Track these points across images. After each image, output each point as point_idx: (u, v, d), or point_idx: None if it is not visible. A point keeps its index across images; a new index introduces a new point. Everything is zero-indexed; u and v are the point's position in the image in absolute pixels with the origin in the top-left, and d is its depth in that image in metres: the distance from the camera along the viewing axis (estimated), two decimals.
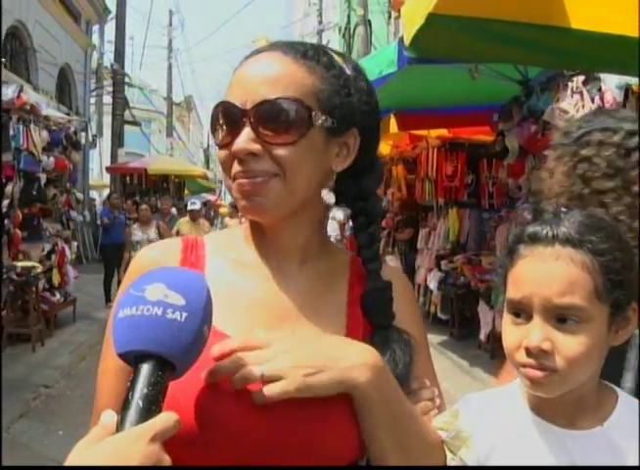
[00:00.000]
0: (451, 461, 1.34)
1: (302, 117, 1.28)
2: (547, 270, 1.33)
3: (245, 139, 1.27)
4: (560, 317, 1.32)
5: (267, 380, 1.17)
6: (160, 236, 11.79)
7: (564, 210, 1.41)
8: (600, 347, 1.35)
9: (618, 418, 1.41)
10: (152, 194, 21.37)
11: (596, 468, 1.36)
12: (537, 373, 1.32)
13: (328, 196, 1.37)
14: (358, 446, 1.27)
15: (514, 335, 1.36)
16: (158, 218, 14.29)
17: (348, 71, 1.37)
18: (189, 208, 14.30)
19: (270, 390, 1.17)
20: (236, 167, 1.29)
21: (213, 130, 1.36)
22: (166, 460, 0.97)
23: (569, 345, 1.31)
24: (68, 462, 0.94)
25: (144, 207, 13.29)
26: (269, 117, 1.27)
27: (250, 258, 1.42)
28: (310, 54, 1.34)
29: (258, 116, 1.27)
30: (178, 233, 12.57)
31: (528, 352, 1.32)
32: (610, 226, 1.40)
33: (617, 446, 1.37)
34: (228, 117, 1.31)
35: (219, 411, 1.20)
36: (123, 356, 1.08)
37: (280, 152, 1.27)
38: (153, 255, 1.44)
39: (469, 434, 1.37)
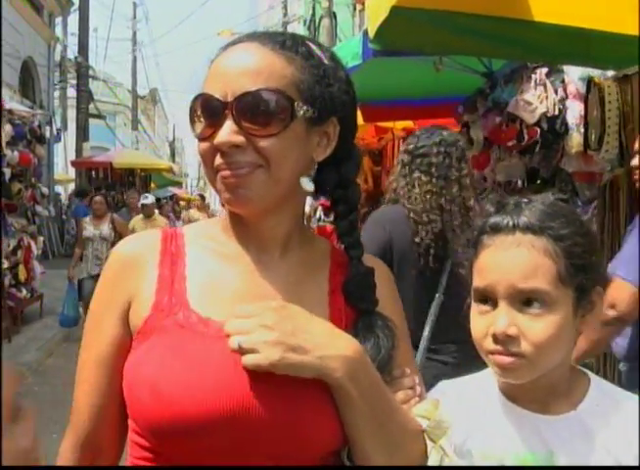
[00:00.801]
0: (432, 450, 1.36)
1: (285, 108, 1.29)
2: (509, 257, 1.36)
3: (227, 131, 1.27)
4: (525, 303, 1.35)
5: (243, 351, 1.19)
6: (115, 232, 10.99)
7: (525, 200, 1.44)
8: (567, 331, 1.38)
9: (591, 402, 1.44)
10: (118, 188, 21.19)
11: (595, 468, 1.38)
12: (505, 359, 1.35)
13: (307, 184, 1.38)
14: (340, 432, 1.28)
15: (481, 323, 1.40)
16: (125, 213, 13.93)
17: (327, 61, 1.39)
18: (141, 202, 13.38)
19: (244, 361, 1.19)
20: (219, 160, 1.30)
21: (192, 122, 1.35)
22: None
23: (534, 329, 1.34)
24: None
25: (98, 198, 11.87)
26: (251, 108, 1.27)
27: (230, 248, 1.43)
28: (289, 44, 1.35)
29: (240, 108, 1.27)
30: (133, 232, 11.00)
31: (495, 339, 1.35)
32: (570, 213, 1.44)
33: (591, 430, 1.40)
34: (208, 110, 1.31)
35: (201, 401, 1.21)
36: None
37: (264, 143, 1.28)
38: (132, 247, 1.45)
39: (450, 423, 1.38)
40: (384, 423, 1.29)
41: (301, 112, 1.31)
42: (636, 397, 1.49)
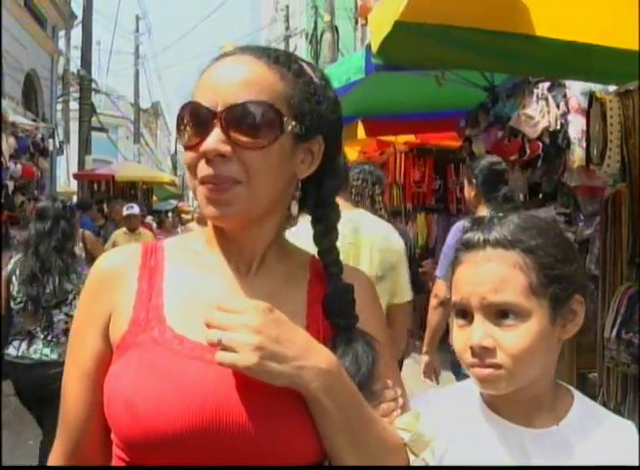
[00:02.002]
0: (414, 462, 1.35)
1: (274, 121, 1.29)
2: (480, 272, 1.40)
3: (215, 140, 1.27)
4: (498, 315, 1.37)
5: (222, 347, 1.18)
6: (87, 253, 8.36)
7: (500, 215, 1.48)
8: (544, 341, 1.40)
9: (573, 418, 1.46)
10: (120, 201, 21.19)
11: (595, 468, 1.38)
12: (484, 371, 1.38)
13: (293, 207, 1.41)
14: (319, 446, 1.28)
15: (460, 337, 1.43)
16: (112, 227, 12.98)
17: (317, 80, 1.39)
18: (125, 212, 11.45)
19: (220, 357, 1.18)
20: (203, 170, 1.30)
21: (179, 131, 1.35)
22: None
23: (510, 340, 1.37)
24: None
25: None
26: (241, 120, 1.27)
27: (210, 260, 1.43)
28: (282, 60, 1.35)
29: (230, 118, 1.27)
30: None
31: (473, 352, 1.39)
32: (544, 225, 1.47)
33: (571, 446, 1.41)
34: (196, 119, 1.31)
35: (173, 417, 1.21)
36: None
37: (249, 156, 1.28)
38: (112, 261, 1.46)
39: (431, 435, 1.38)
40: (362, 437, 1.28)
41: (290, 127, 1.32)
42: (617, 417, 1.52)
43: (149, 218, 16.99)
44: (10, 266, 5.34)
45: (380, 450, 1.31)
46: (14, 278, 5.21)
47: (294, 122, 1.32)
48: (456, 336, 1.45)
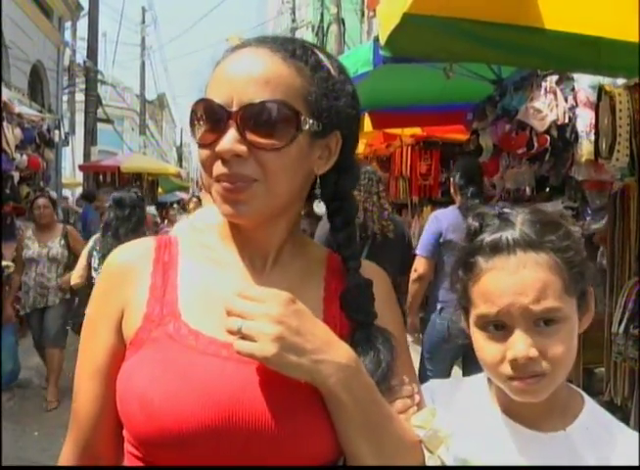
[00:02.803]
0: (429, 460, 1.33)
1: (291, 121, 1.27)
2: (518, 280, 1.32)
3: (230, 140, 1.25)
4: (538, 322, 1.31)
5: (241, 336, 1.17)
6: (70, 250, 7.88)
7: (507, 211, 1.40)
8: (575, 339, 1.36)
9: (581, 425, 1.41)
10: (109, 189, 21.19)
11: (595, 468, 1.36)
12: (528, 382, 1.32)
13: (318, 207, 1.39)
14: (335, 444, 1.27)
15: (494, 349, 1.35)
16: (95, 220, 12.41)
17: (335, 73, 1.36)
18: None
19: (238, 345, 1.17)
20: (219, 168, 1.28)
21: (192, 127, 1.33)
22: None
23: (552, 346, 1.31)
24: None
25: (41, 202, 8.12)
26: (257, 120, 1.25)
27: (224, 256, 1.41)
28: (299, 53, 1.32)
29: (246, 118, 1.25)
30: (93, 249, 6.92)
31: (515, 364, 1.31)
32: (554, 218, 1.42)
33: (577, 452, 1.38)
34: (211, 116, 1.28)
35: (188, 414, 1.20)
36: None
37: (266, 156, 1.26)
38: (125, 258, 1.43)
39: (447, 432, 1.36)
40: (378, 433, 1.27)
41: (307, 125, 1.29)
42: (625, 427, 1.46)
43: (151, 210, 16.72)
44: (90, 244, 6.67)
45: (397, 447, 1.30)
46: (95, 253, 6.43)
47: (311, 120, 1.29)
48: (487, 349, 1.37)
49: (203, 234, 1.50)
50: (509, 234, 1.35)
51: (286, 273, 1.41)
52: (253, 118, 1.25)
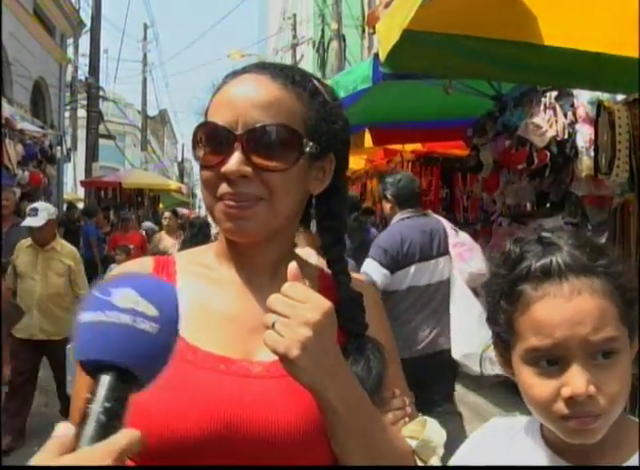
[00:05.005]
0: None
1: (294, 144, 1.31)
2: (574, 308, 1.19)
3: (236, 162, 1.28)
4: (596, 354, 1.19)
5: (272, 329, 1.16)
6: None
7: (546, 234, 1.29)
8: (630, 373, 1.24)
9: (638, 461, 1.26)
10: (127, 208, 21.25)
11: (595, 468, 1.28)
12: (584, 421, 1.19)
13: (314, 226, 1.46)
14: (330, 456, 1.28)
15: (547, 387, 1.21)
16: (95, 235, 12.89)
17: (329, 99, 1.41)
18: (25, 222, 7.02)
19: (266, 335, 1.16)
20: (224, 188, 1.30)
21: (195, 149, 1.35)
22: None
23: (610, 382, 1.19)
24: None
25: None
26: (262, 142, 1.28)
27: (221, 273, 1.44)
28: (298, 80, 1.36)
29: (251, 141, 1.28)
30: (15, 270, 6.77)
31: (571, 402, 1.18)
32: (596, 241, 1.32)
33: None
34: (216, 139, 1.31)
35: (185, 428, 1.22)
36: (84, 364, 0.98)
37: (270, 177, 1.29)
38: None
39: (438, 442, 1.35)
40: (373, 442, 1.28)
41: (307, 148, 1.33)
42: None
43: (147, 225, 16.55)
44: None
45: (389, 456, 1.30)
46: None
47: (311, 143, 1.34)
48: (538, 386, 1.23)
49: (199, 253, 1.53)
50: (558, 258, 1.22)
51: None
52: (259, 141, 1.28)
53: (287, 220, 1.38)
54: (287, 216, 1.36)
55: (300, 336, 1.15)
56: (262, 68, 1.37)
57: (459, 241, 5.32)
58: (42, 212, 6.81)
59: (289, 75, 1.36)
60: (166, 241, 11.75)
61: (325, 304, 1.20)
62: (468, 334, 5.01)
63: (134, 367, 0.96)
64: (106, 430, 0.90)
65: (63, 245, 7.16)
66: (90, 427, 0.90)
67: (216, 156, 1.31)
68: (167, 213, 12.91)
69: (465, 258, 5.24)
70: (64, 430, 0.90)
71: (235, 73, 1.38)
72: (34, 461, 0.87)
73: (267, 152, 1.28)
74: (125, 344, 0.95)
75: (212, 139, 1.32)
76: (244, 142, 1.28)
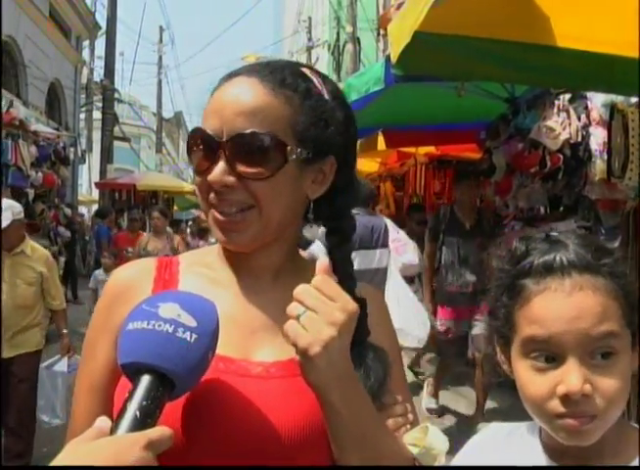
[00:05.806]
0: None
1: (277, 152, 1.29)
2: (575, 303, 1.18)
3: (220, 171, 1.28)
4: (594, 353, 1.18)
5: (296, 320, 1.15)
6: None
7: (554, 233, 1.29)
8: (630, 377, 1.22)
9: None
10: (139, 209, 21.34)
11: (596, 468, 1.26)
12: (579, 421, 1.17)
13: (310, 231, 1.40)
14: (332, 460, 1.27)
15: (541, 383, 1.21)
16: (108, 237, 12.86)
17: (327, 97, 1.37)
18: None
19: (288, 325, 1.15)
20: (212, 197, 1.32)
21: (189, 154, 1.37)
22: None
23: (607, 383, 1.18)
24: (60, 458, 0.95)
25: None
26: (244, 151, 1.28)
27: (223, 275, 1.44)
28: (289, 82, 1.33)
29: (233, 149, 1.28)
30: None
31: (567, 400, 1.17)
32: (603, 243, 1.32)
33: None
34: (204, 145, 1.32)
35: (191, 424, 1.22)
36: (125, 367, 1.09)
37: (255, 185, 1.29)
38: (127, 274, 1.46)
39: (440, 450, 1.33)
40: (375, 446, 1.27)
41: (294, 156, 1.31)
42: None
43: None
44: None
45: (391, 461, 1.29)
46: None
47: (299, 149, 1.31)
48: (533, 382, 1.22)
49: (203, 254, 1.53)
50: (562, 255, 1.22)
51: (286, 292, 1.40)
52: (241, 149, 1.28)
53: (280, 227, 1.36)
54: (279, 223, 1.35)
55: (325, 335, 1.13)
56: (252, 70, 1.36)
57: (397, 237, 6.61)
58: (5, 212, 5.66)
59: (278, 77, 1.33)
60: (155, 242, 10.63)
61: (353, 306, 1.18)
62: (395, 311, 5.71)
63: (171, 373, 1.06)
64: (139, 425, 1.00)
65: (34, 248, 6.11)
66: (125, 421, 1.01)
67: (205, 162, 1.32)
68: (156, 213, 11.34)
69: (400, 252, 6.56)
70: (101, 422, 1.02)
71: (229, 76, 1.37)
72: (71, 444, 0.98)
73: (250, 159, 1.28)
74: (165, 349, 1.06)
75: (202, 145, 1.33)
76: (227, 150, 1.28)
